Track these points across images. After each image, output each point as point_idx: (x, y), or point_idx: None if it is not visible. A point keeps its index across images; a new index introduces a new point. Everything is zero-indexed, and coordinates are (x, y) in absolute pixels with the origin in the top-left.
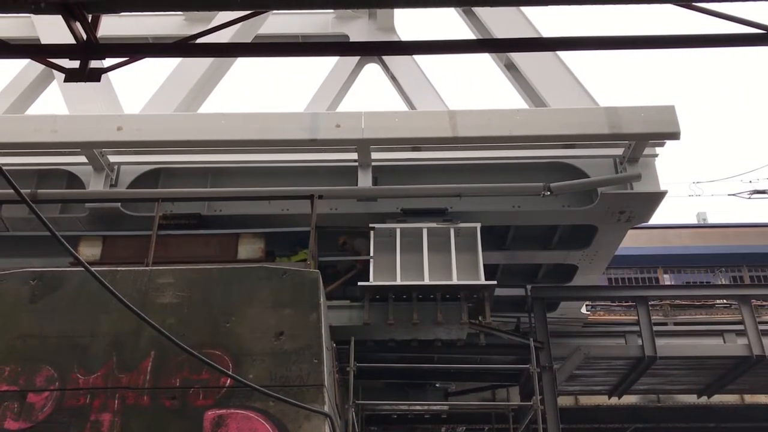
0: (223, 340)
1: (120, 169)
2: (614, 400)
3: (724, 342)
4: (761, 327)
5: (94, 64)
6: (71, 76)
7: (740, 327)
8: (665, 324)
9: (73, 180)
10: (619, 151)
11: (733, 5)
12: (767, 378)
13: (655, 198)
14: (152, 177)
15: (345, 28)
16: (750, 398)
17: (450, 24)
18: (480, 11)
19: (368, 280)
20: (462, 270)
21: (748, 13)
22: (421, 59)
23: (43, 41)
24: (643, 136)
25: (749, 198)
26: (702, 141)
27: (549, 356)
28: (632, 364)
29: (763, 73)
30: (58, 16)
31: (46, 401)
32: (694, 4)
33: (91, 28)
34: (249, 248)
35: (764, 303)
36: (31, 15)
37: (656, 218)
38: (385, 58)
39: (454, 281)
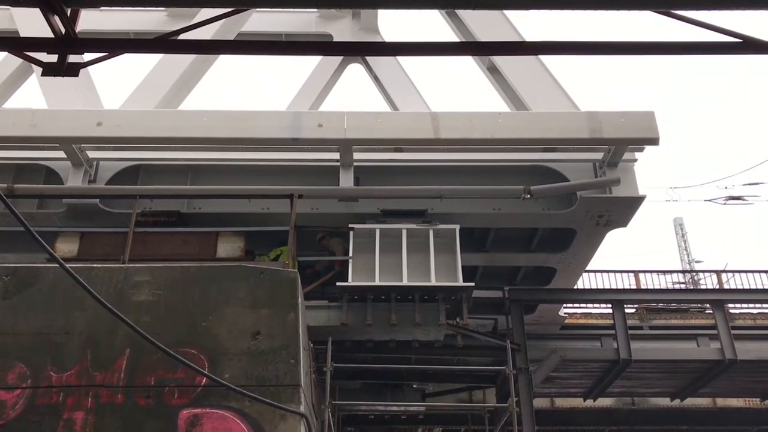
0: (199, 339)
1: (99, 165)
2: (589, 403)
3: (698, 346)
4: (734, 331)
5: (73, 58)
6: (49, 70)
7: (713, 331)
8: (641, 327)
9: (51, 175)
10: (599, 156)
11: (711, 14)
12: (739, 382)
13: (633, 202)
14: (131, 173)
15: (329, 28)
16: (722, 402)
17: (434, 26)
18: (463, 14)
19: (347, 281)
20: (440, 271)
21: (726, 22)
22: (404, 60)
23: (22, 34)
24: (622, 141)
25: (725, 204)
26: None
27: (525, 358)
28: (607, 367)
29: (740, 81)
30: (36, 9)
31: (18, 399)
32: (673, 12)
33: (70, 22)
34: (228, 247)
35: (737, 307)
36: (10, 7)
37: (634, 223)
38: (368, 58)
39: (433, 282)
